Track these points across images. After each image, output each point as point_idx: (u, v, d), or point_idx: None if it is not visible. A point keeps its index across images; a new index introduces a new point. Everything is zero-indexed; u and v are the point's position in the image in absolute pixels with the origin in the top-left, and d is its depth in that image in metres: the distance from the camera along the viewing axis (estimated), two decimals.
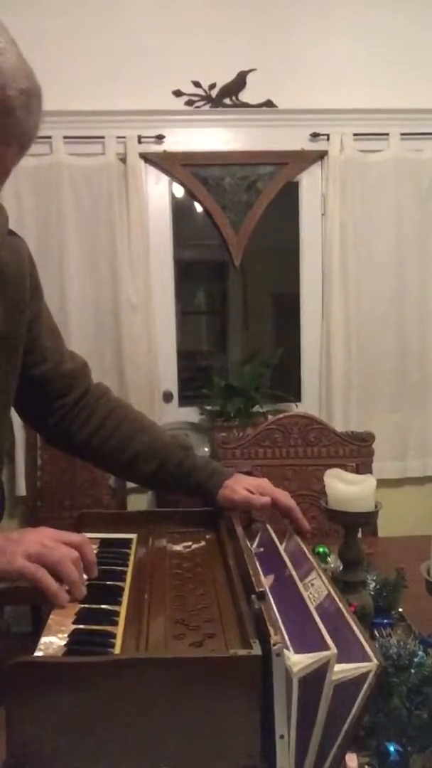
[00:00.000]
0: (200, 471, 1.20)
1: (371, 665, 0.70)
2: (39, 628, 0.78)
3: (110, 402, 1.27)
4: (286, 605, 0.82)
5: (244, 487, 1.17)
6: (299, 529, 1.12)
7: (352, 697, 0.70)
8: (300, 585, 0.87)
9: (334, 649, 0.70)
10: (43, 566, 0.83)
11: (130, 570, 0.96)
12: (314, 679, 0.69)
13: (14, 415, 1.22)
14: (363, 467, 2.02)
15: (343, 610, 0.81)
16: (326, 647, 0.70)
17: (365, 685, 0.70)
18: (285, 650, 0.68)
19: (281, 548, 1.01)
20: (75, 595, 0.85)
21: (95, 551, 1.03)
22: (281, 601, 0.83)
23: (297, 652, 0.71)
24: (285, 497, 1.17)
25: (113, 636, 0.77)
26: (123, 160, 2.92)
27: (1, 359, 1.08)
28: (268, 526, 1.09)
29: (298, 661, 0.69)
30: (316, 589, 0.88)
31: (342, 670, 0.70)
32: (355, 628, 0.76)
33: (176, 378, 3.14)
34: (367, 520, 1.11)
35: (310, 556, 0.98)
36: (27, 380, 1.16)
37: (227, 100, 2.97)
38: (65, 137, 2.86)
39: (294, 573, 0.90)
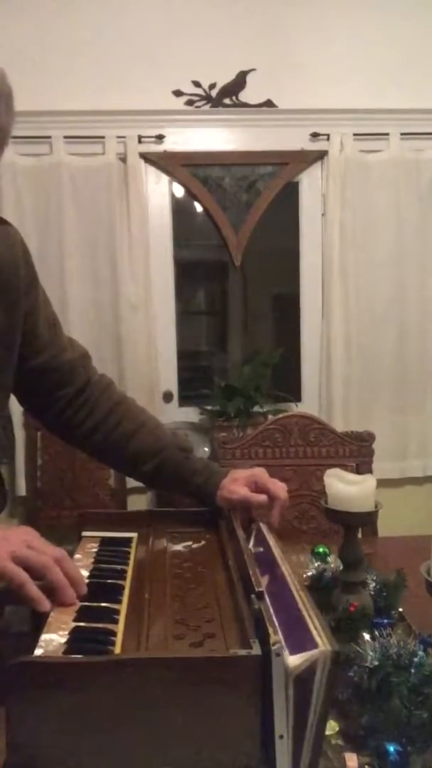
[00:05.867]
0: (198, 474, 1.20)
1: (317, 652, 0.69)
2: (39, 628, 0.78)
3: (113, 397, 1.26)
4: (278, 605, 0.82)
5: (241, 484, 1.16)
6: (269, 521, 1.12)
7: (308, 688, 0.69)
8: (291, 584, 0.86)
9: (323, 647, 0.69)
10: (27, 569, 0.80)
11: (130, 569, 0.96)
12: (305, 678, 0.69)
13: (14, 414, 1.22)
14: (363, 467, 2.01)
15: (297, 597, 0.80)
16: (314, 645, 0.69)
17: (317, 673, 0.69)
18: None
19: (273, 545, 1.00)
20: (65, 600, 0.82)
21: (95, 549, 1.03)
22: (274, 600, 0.82)
23: (290, 652, 0.70)
24: (280, 490, 1.16)
25: (113, 634, 0.77)
26: (123, 160, 2.92)
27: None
28: (262, 524, 1.09)
29: (292, 662, 0.69)
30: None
31: (292, 662, 0.69)
32: (306, 615, 0.75)
33: (176, 378, 3.14)
34: (367, 520, 1.11)
35: (274, 546, 0.98)
36: (24, 372, 1.16)
37: (227, 100, 2.97)
38: (65, 137, 2.86)
39: (286, 571, 0.90)
